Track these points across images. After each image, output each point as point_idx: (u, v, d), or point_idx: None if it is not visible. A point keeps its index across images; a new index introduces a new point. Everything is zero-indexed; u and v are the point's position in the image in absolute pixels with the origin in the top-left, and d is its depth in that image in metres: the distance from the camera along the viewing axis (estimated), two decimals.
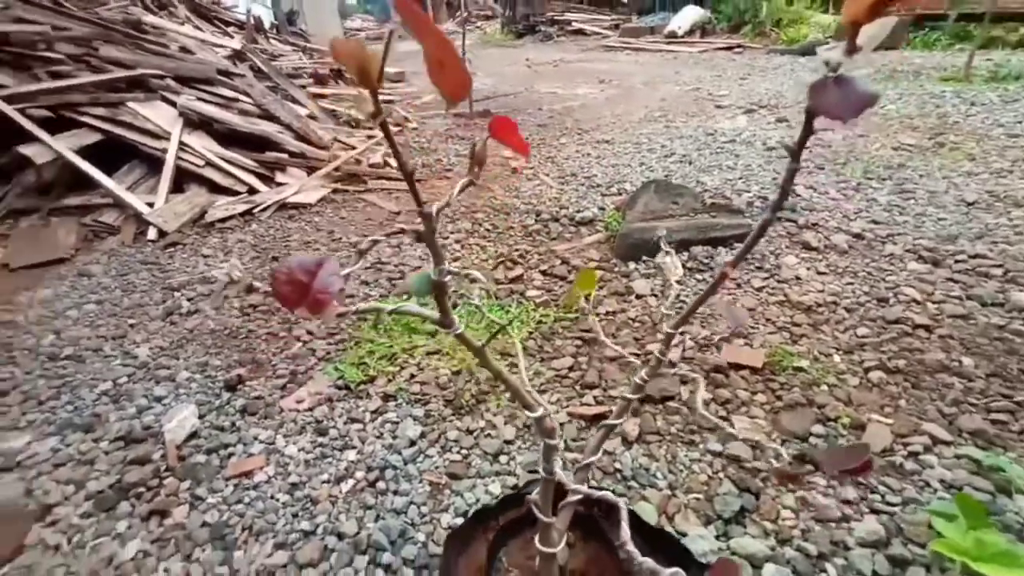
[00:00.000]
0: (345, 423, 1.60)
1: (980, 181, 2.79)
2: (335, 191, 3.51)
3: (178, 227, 2.97)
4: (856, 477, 1.28)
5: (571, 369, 1.75)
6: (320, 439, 1.55)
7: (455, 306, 2.13)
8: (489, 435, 1.52)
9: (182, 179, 3.31)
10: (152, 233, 2.92)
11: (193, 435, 1.58)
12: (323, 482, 1.41)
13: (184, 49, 4.18)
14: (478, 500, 1.31)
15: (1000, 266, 2.03)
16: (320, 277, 0.47)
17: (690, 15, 9.26)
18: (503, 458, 1.44)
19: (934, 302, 1.87)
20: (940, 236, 2.28)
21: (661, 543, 0.90)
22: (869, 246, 2.25)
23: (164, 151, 3.28)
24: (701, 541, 1.14)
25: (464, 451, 1.47)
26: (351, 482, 1.41)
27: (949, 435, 1.35)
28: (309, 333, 2.06)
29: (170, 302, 2.30)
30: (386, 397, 1.69)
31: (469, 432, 1.53)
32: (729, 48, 7.98)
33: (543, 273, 2.34)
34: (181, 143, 3.36)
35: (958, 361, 1.59)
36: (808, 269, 2.13)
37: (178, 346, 2.02)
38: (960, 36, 6.58)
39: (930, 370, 1.58)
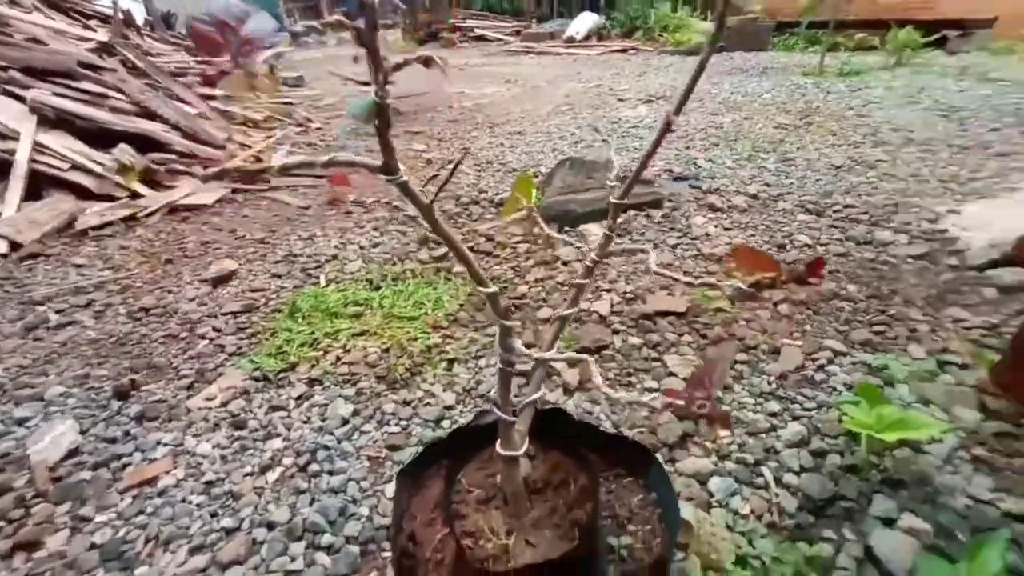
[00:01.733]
0: (266, 413, 1.46)
1: (842, 150, 3.16)
2: (235, 191, 3.24)
3: (38, 237, 2.58)
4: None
5: None
6: (238, 432, 1.40)
7: (378, 288, 2.03)
8: (428, 404, 1.45)
9: (40, 184, 2.88)
10: (2, 246, 2.50)
11: (73, 452, 1.36)
12: (245, 475, 1.27)
13: (34, 40, 3.67)
14: None
15: (865, 213, 2.31)
16: (250, 25, 0.38)
17: (587, 21, 9.75)
18: (445, 423, 1.38)
19: (821, 244, 2.08)
20: (819, 193, 2.55)
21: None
22: (764, 204, 2.46)
23: (11, 152, 2.84)
24: None
25: (403, 422, 1.39)
26: (279, 470, 1.28)
27: (845, 347, 1.50)
28: (216, 330, 1.86)
29: (32, 317, 1.98)
30: (311, 382, 1.56)
31: (406, 403, 1.45)
32: (624, 50, 8.49)
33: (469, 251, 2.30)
34: (36, 143, 2.93)
35: (845, 288, 1.78)
36: (715, 227, 2.28)
37: (46, 362, 1.75)
38: (812, 41, 7.50)
39: (825, 298, 1.74)
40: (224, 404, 1.51)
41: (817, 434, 1.22)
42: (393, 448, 1.30)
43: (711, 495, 1.10)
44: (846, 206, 2.39)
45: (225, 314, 1.96)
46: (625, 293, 1.88)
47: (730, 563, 0.96)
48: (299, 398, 1.50)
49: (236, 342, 1.80)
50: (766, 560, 0.97)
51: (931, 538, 0.96)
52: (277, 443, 1.36)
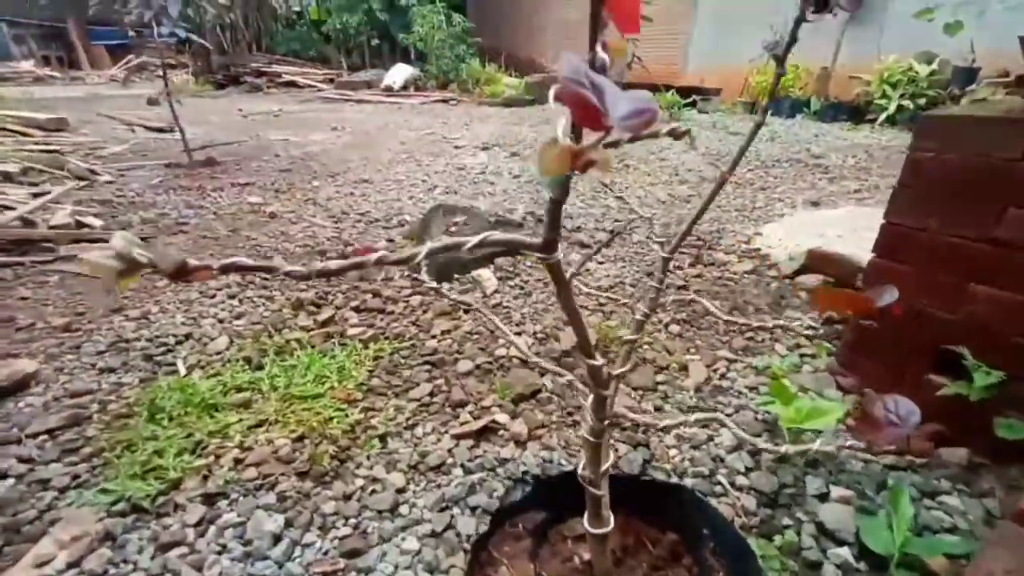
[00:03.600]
0: (153, 556, 1.10)
1: (661, 188, 3.78)
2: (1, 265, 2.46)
3: None
4: None
5: (432, 395, 1.62)
6: None
7: (260, 367, 1.73)
8: (374, 491, 1.26)
9: None
10: None
11: None
12: None
13: None
14: (396, 567, 1.07)
15: (700, 240, 2.79)
16: (606, 99, 0.29)
17: (403, 72, 9.98)
18: (404, 508, 1.21)
19: (681, 268, 2.44)
20: (660, 224, 2.99)
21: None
22: (621, 237, 2.79)
23: None
24: None
25: (352, 520, 1.18)
26: None
27: (733, 355, 1.76)
28: (25, 461, 1.36)
29: None
30: (209, 498, 1.24)
31: (348, 497, 1.25)
32: (445, 101, 8.89)
33: (356, 310, 2.11)
34: None
35: (712, 305, 2.10)
36: (592, 262, 2.50)
37: None
38: None
39: (699, 315, 2.03)
40: (74, 563, 1.10)
41: (747, 434, 1.39)
42: (353, 554, 1.10)
43: None
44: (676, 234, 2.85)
45: (34, 435, 1.45)
46: (536, 333, 1.92)
47: None
48: (199, 523, 1.18)
49: (66, 471, 1.33)
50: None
51: (856, 500, 1.17)
52: None
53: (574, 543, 0.73)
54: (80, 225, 2.95)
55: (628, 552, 0.70)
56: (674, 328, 1.94)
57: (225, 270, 0.42)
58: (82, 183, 3.75)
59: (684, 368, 1.71)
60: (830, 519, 1.13)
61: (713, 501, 1.21)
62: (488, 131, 6.13)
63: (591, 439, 0.62)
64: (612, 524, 0.63)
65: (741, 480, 1.26)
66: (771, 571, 1.03)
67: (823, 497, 1.20)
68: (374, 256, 0.47)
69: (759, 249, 2.54)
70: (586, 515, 0.64)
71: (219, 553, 1.11)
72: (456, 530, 1.16)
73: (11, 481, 1.30)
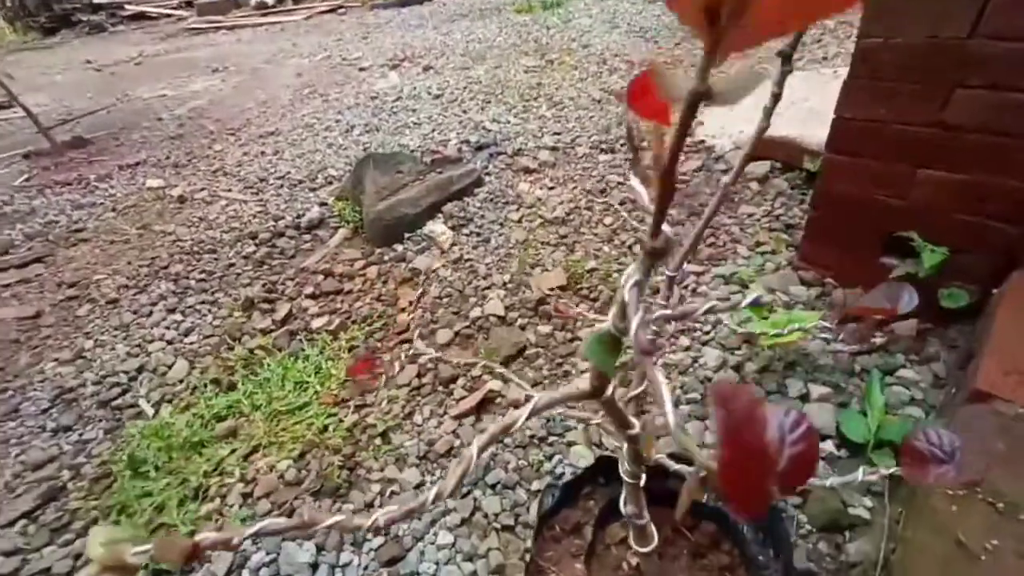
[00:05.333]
0: None
1: (591, 83, 3.58)
2: None
3: None
4: None
5: (420, 376, 1.60)
6: None
7: (233, 387, 1.64)
8: (394, 492, 1.28)
9: None
10: None
11: None
12: None
13: None
14: (437, 564, 1.12)
15: (644, 140, 2.71)
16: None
17: None
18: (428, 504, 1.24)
19: (627, 181, 2.39)
20: (600, 129, 2.87)
21: None
22: (566, 153, 2.68)
23: None
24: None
25: (381, 528, 1.21)
26: None
27: (700, 267, 1.81)
28: (10, 554, 1.28)
29: None
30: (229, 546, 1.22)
31: (369, 506, 1.26)
32: (333, 10, 7.79)
33: (312, 297, 1.99)
34: None
35: (669, 214, 2.10)
36: (541, 188, 2.41)
37: None
38: None
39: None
40: None
41: (727, 351, 1.47)
42: (393, 562, 1.14)
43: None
44: (621, 137, 2.76)
45: (11, 524, 1.35)
46: (506, 284, 1.89)
47: None
48: (230, 572, 1.17)
49: (64, 553, 1.27)
50: None
51: (834, 397, 1.28)
52: None
53: (617, 548, 0.77)
54: None
55: (668, 542, 0.75)
56: (636, 247, 1.95)
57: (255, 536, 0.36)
58: None
59: (656, 290, 1.74)
60: (814, 419, 1.24)
61: (710, 422, 1.30)
62: (390, 43, 5.50)
63: (630, 481, 0.63)
64: (656, 540, 0.66)
65: None
66: None
67: (804, 398, 1.31)
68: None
69: (703, 141, 2.51)
70: (631, 535, 0.67)
71: None
72: (483, 512, 1.21)
73: None
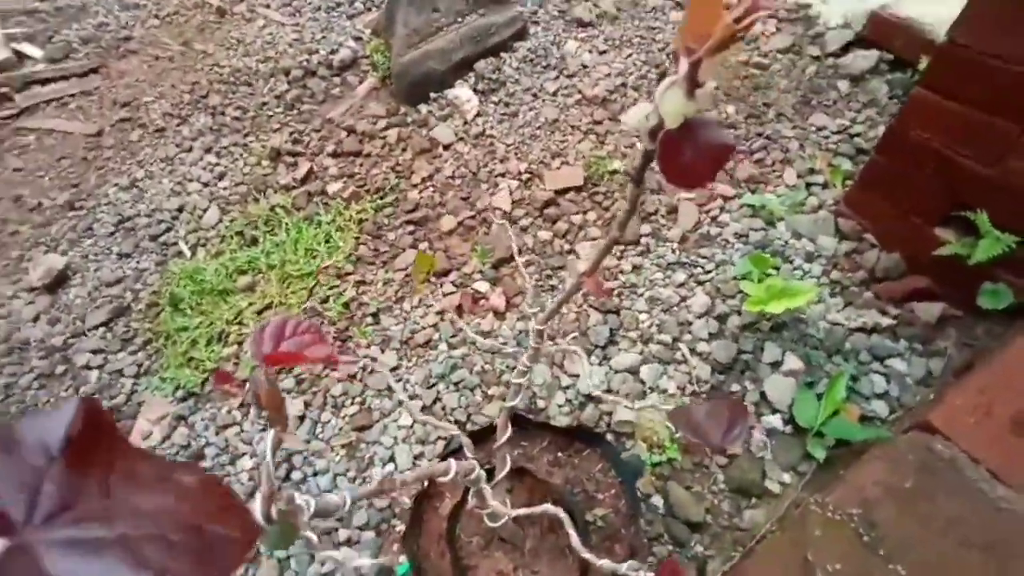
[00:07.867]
0: (217, 433, 1.43)
1: None
2: None
3: None
4: None
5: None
6: (200, 464, 1.39)
7: (255, 241, 1.80)
8: (372, 371, 1.47)
9: None
10: None
11: None
12: None
13: None
14: (395, 439, 1.34)
15: None
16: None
17: None
18: (398, 386, 1.43)
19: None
20: None
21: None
22: (634, 4, 2.22)
23: None
24: (593, 378, 1.33)
25: (358, 399, 1.43)
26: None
27: (733, 190, 1.61)
28: (97, 352, 1.64)
29: None
30: (243, 385, 1.50)
31: (352, 378, 1.47)
32: None
33: (333, 155, 2.00)
34: None
35: (725, 112, 1.80)
36: (590, 52, 2.08)
37: None
38: None
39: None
40: (166, 437, 1.45)
41: (719, 296, 1.40)
42: (362, 429, 1.37)
43: (644, 383, 1.31)
44: None
45: (95, 328, 1.70)
46: (520, 174, 1.79)
47: (668, 441, 1.21)
48: (242, 406, 1.47)
49: (131, 360, 1.62)
50: None
51: (803, 376, 1.24)
52: (247, 462, 1.38)
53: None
54: (21, 57, 2.68)
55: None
56: None
57: None
58: None
59: (674, 211, 1.61)
60: (773, 391, 1.23)
61: (671, 369, 1.33)
62: None
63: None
64: (508, 515, 0.76)
65: (703, 347, 1.34)
66: None
67: (776, 365, 1.28)
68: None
69: (809, 6, 1.97)
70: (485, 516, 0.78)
71: (263, 430, 1.41)
72: (443, 404, 1.38)
73: (96, 373, 1.61)
